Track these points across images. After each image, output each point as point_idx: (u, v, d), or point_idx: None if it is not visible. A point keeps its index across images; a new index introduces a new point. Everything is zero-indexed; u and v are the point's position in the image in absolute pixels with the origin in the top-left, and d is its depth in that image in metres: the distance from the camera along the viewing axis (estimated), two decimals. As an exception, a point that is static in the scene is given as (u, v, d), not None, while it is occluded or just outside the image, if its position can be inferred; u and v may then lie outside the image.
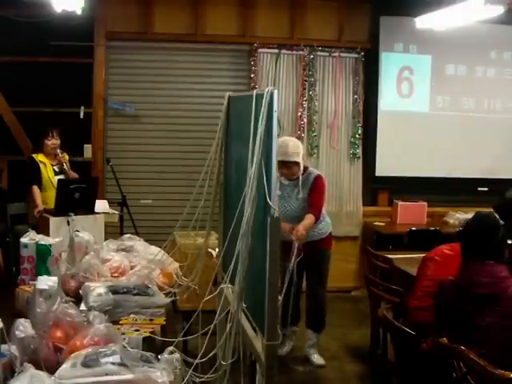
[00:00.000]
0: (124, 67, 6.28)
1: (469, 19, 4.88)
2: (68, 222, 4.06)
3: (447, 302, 2.82)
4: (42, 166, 5.13)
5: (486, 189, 6.55)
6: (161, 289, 3.15)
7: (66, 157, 5.30)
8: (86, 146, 6.22)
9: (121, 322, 2.65)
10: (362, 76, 6.46)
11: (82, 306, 2.81)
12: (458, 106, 6.71)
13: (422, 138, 6.61)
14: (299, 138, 6.20)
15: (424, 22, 5.20)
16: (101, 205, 4.77)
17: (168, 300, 3.05)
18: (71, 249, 3.38)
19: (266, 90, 2.31)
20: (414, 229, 5.90)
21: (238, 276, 2.37)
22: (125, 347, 2.18)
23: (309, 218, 4.15)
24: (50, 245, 3.26)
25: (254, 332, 2.50)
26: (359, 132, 6.48)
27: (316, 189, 4.36)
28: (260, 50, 6.28)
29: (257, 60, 6.28)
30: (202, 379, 2.48)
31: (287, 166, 4.22)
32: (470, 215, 2.97)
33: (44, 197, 5.01)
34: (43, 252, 3.24)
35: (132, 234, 4.12)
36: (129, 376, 1.98)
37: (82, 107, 6.17)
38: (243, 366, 2.50)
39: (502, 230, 2.73)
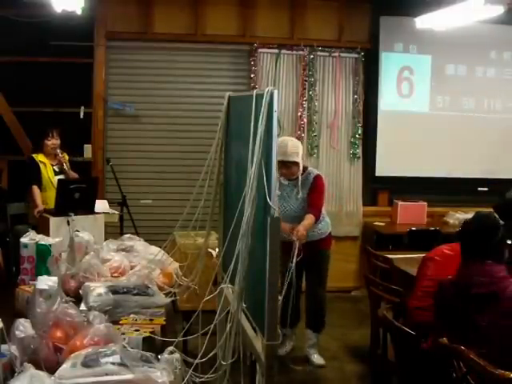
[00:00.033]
0: (124, 67, 6.28)
1: (469, 19, 4.88)
2: (68, 222, 4.07)
3: (447, 302, 2.82)
4: (42, 166, 5.13)
5: (486, 189, 6.55)
6: (161, 289, 3.15)
7: (66, 157, 5.30)
8: (85, 145, 6.22)
9: (121, 322, 2.65)
10: (361, 76, 6.46)
11: (82, 306, 2.80)
12: (458, 106, 6.71)
13: (422, 137, 6.61)
14: (299, 138, 6.20)
15: (424, 22, 5.20)
16: (101, 205, 4.77)
17: (168, 300, 3.05)
18: (71, 249, 3.38)
19: (266, 90, 2.31)
20: (413, 229, 5.90)
21: (238, 276, 2.37)
22: (125, 347, 2.18)
23: (309, 218, 4.15)
24: (50, 245, 3.26)
25: (253, 332, 2.50)
26: (359, 132, 6.48)
27: (316, 189, 4.36)
28: (260, 50, 6.28)
29: (257, 60, 6.28)
30: (202, 379, 2.48)
31: (286, 165, 4.22)
32: (469, 215, 2.97)
33: (44, 197, 5.01)
34: (43, 252, 3.23)
35: (132, 233, 4.12)
36: (129, 376, 1.98)
37: (82, 107, 6.17)
38: (243, 366, 2.50)
39: (501, 230, 2.73)
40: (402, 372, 3.24)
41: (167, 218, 5.88)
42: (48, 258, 3.22)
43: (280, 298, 2.76)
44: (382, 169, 6.61)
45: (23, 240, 3.30)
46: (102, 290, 2.85)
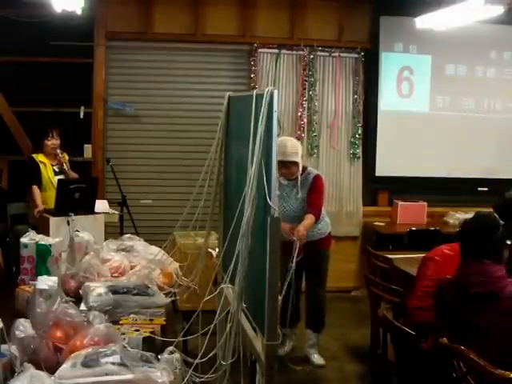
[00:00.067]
0: (124, 67, 6.29)
1: (469, 19, 4.88)
2: (68, 222, 4.07)
3: (446, 302, 2.82)
4: (41, 166, 5.13)
5: (486, 189, 6.55)
6: (161, 289, 3.15)
7: (66, 157, 5.30)
8: (86, 145, 6.22)
9: (121, 322, 2.65)
10: (362, 76, 6.46)
11: (82, 306, 2.80)
12: (458, 106, 6.71)
13: (422, 137, 6.61)
14: (299, 138, 6.21)
15: (424, 22, 5.20)
16: (101, 205, 4.77)
17: (168, 300, 3.05)
18: (71, 249, 3.38)
19: (266, 90, 2.31)
20: (413, 229, 5.90)
21: (238, 276, 2.37)
22: (125, 347, 2.18)
23: (309, 218, 4.15)
24: (50, 245, 3.26)
25: (254, 332, 2.50)
26: (359, 132, 6.48)
27: (315, 189, 4.36)
28: (260, 50, 6.29)
29: (257, 60, 6.28)
30: (202, 379, 2.48)
31: (286, 165, 4.22)
32: (469, 215, 2.97)
33: (44, 197, 5.01)
34: (43, 252, 3.24)
35: (132, 233, 4.12)
36: (129, 376, 1.98)
37: (82, 107, 6.17)
38: (243, 366, 2.50)
39: (501, 230, 2.72)
40: (402, 372, 3.24)
41: (167, 218, 5.88)
42: (48, 258, 3.23)
43: (280, 298, 2.76)
44: (382, 169, 6.61)
45: (23, 240, 3.30)
46: (102, 290, 2.85)
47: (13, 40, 5.90)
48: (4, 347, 2.11)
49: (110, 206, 5.07)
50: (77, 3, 4.53)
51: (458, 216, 6.28)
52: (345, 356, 4.79)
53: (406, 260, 4.32)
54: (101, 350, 2.08)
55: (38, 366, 2.06)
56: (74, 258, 3.32)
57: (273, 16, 6.37)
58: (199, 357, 2.48)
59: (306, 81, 6.35)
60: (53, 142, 5.19)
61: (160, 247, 3.45)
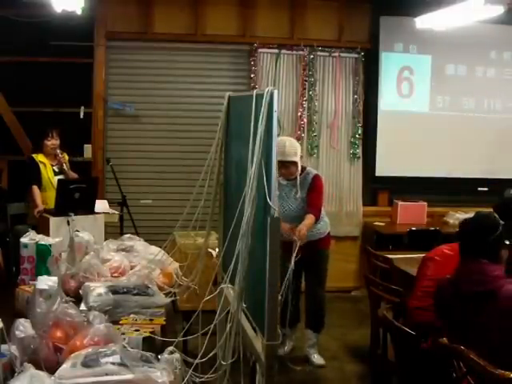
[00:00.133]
0: (124, 67, 6.29)
1: (469, 19, 4.88)
2: (68, 222, 4.07)
3: (446, 302, 2.83)
4: (41, 166, 5.13)
5: (486, 189, 6.55)
6: (161, 289, 3.15)
7: (66, 157, 5.30)
8: (86, 145, 6.23)
9: (121, 322, 2.65)
10: (361, 76, 6.46)
11: (82, 306, 2.80)
12: (458, 106, 6.71)
13: (422, 137, 6.61)
14: (299, 138, 6.22)
15: (424, 22, 5.20)
16: (101, 205, 4.77)
17: (168, 300, 3.05)
18: (71, 249, 3.38)
19: (266, 90, 2.31)
20: (413, 229, 5.90)
21: (238, 276, 2.37)
22: (125, 347, 2.18)
23: (309, 218, 4.15)
24: (50, 245, 3.26)
25: (254, 332, 2.50)
26: (359, 132, 6.48)
27: (314, 189, 4.36)
28: (260, 50, 6.29)
29: (257, 60, 6.28)
30: (202, 379, 2.48)
31: (285, 165, 4.22)
32: (469, 215, 2.97)
33: (44, 197, 5.01)
34: (43, 252, 3.24)
35: (132, 233, 4.12)
36: (129, 376, 1.98)
37: (82, 107, 6.17)
38: (243, 366, 2.50)
39: (500, 230, 2.72)
40: (402, 372, 3.24)
41: (167, 218, 5.88)
42: (48, 258, 3.22)
43: (280, 298, 2.76)
44: (382, 169, 6.61)
45: (23, 240, 3.30)
46: (102, 290, 2.85)
47: (13, 40, 5.90)
48: (4, 347, 2.10)
49: (110, 205, 5.07)
50: (77, 3, 4.53)
51: (458, 216, 6.27)
52: (345, 356, 4.79)
53: (405, 260, 4.32)
54: (101, 349, 2.08)
55: (38, 366, 2.06)
56: (74, 257, 3.32)
57: (273, 16, 6.37)
58: (199, 357, 2.47)
59: (306, 81, 6.35)
60: (53, 142, 5.19)
61: (160, 247, 3.45)
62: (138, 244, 3.69)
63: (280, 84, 6.30)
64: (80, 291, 2.97)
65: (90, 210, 4.46)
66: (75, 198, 4.38)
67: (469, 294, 2.68)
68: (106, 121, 6.28)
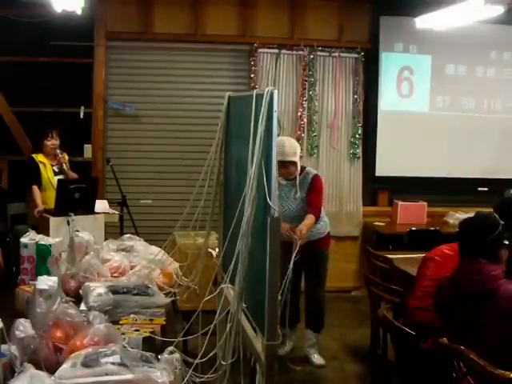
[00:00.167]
0: (124, 67, 6.29)
1: (469, 19, 4.88)
2: (68, 222, 4.06)
3: (445, 302, 2.83)
4: (41, 166, 5.13)
5: (486, 189, 6.55)
6: (161, 289, 3.15)
7: (66, 157, 5.30)
8: (85, 145, 6.23)
9: (121, 322, 2.65)
10: (362, 76, 6.46)
11: (82, 306, 2.80)
12: (458, 106, 6.71)
13: (422, 138, 6.61)
14: (299, 138, 6.22)
15: (424, 22, 5.20)
16: (101, 205, 4.77)
17: (168, 300, 3.05)
18: (71, 249, 3.38)
19: (266, 90, 2.31)
20: (414, 229, 5.90)
21: (238, 276, 2.37)
22: (125, 347, 2.18)
23: (309, 218, 4.15)
24: (50, 245, 3.26)
25: (254, 332, 2.50)
26: (359, 132, 6.48)
27: (314, 188, 4.36)
28: (260, 50, 6.29)
29: (257, 60, 6.28)
30: (202, 379, 2.48)
31: (284, 165, 4.22)
32: (469, 215, 2.97)
33: (44, 197, 5.01)
34: (43, 252, 3.24)
35: (132, 233, 4.12)
36: (129, 376, 1.98)
37: (82, 107, 6.17)
38: (243, 366, 2.50)
39: (499, 230, 2.72)
40: (402, 372, 3.24)
41: (167, 218, 5.88)
42: (48, 258, 3.23)
43: (279, 298, 2.76)
44: (382, 169, 6.61)
45: (23, 240, 3.30)
46: (102, 290, 2.85)
47: (13, 40, 5.90)
48: (4, 347, 2.10)
49: (110, 206, 5.07)
50: (77, 3, 4.53)
51: (458, 216, 6.27)
52: (345, 356, 4.79)
53: (406, 260, 4.32)
54: (101, 350, 2.08)
55: (38, 366, 2.06)
56: (74, 257, 3.32)
57: (273, 16, 6.37)
58: (199, 357, 2.47)
59: (306, 81, 6.35)
60: (52, 142, 5.19)
61: (160, 247, 3.45)
62: (138, 244, 3.69)
63: (280, 84, 6.30)
64: (80, 291, 2.97)
65: (90, 209, 4.46)
66: (75, 198, 4.38)
67: (468, 294, 2.68)
68: (106, 121, 6.28)
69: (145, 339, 2.42)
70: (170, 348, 2.26)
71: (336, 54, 6.41)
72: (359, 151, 6.51)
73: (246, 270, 2.35)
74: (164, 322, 2.70)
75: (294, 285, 3.70)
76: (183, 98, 6.34)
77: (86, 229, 3.78)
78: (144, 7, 6.19)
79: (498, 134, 6.74)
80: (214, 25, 6.27)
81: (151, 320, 2.69)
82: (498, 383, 2.36)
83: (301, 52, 6.34)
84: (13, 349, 2.13)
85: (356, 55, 6.43)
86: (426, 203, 6.50)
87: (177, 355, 2.21)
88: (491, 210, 3.46)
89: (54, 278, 2.57)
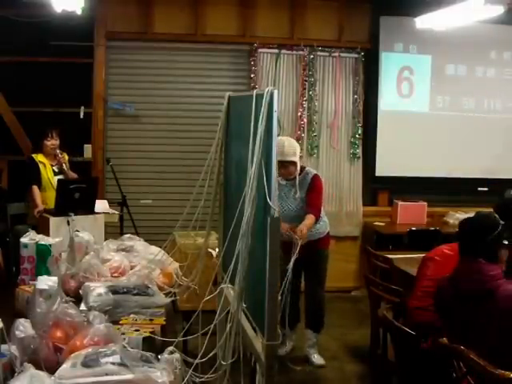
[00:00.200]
0: (124, 67, 6.29)
1: (469, 19, 4.88)
2: (68, 222, 4.06)
3: (445, 302, 2.83)
4: (41, 166, 5.13)
5: (486, 189, 6.56)
6: (161, 289, 3.15)
7: (66, 157, 5.30)
8: (86, 145, 6.23)
9: (121, 322, 2.65)
10: (362, 76, 6.46)
11: (82, 306, 2.80)
12: (458, 106, 6.71)
13: (422, 137, 6.61)
14: (299, 138, 6.22)
15: (424, 22, 5.20)
16: (101, 205, 4.77)
17: (168, 300, 3.05)
18: (71, 249, 3.38)
19: (266, 90, 2.31)
20: (413, 229, 5.90)
21: (238, 276, 2.37)
22: (125, 347, 2.18)
23: (309, 218, 4.15)
24: (50, 245, 3.26)
25: (254, 332, 2.50)
26: (359, 132, 6.48)
27: (314, 188, 4.36)
28: (260, 50, 6.29)
29: (257, 60, 6.28)
30: (202, 379, 2.48)
31: (284, 165, 4.22)
32: (469, 215, 2.98)
33: (44, 197, 5.01)
34: (43, 252, 3.24)
35: (132, 233, 4.12)
36: (129, 376, 1.98)
37: (82, 107, 6.17)
38: (243, 365, 2.50)
39: (498, 230, 2.73)
40: (402, 372, 3.24)
41: (167, 218, 5.88)
42: (48, 258, 3.23)
43: (279, 298, 2.76)
44: (382, 169, 6.61)
45: (23, 240, 3.30)
46: (102, 290, 2.85)
47: (13, 40, 5.90)
48: (4, 347, 2.10)
49: (110, 205, 5.07)
50: (77, 3, 4.53)
51: (458, 216, 6.26)
52: (345, 356, 4.79)
53: (406, 260, 4.32)
54: (101, 350, 2.08)
55: (38, 366, 2.06)
56: (74, 257, 3.32)
57: (273, 16, 6.37)
58: (199, 357, 2.47)
59: (306, 81, 6.35)
60: (52, 142, 5.19)
61: (160, 247, 3.45)
62: (138, 244, 3.69)
63: (280, 84, 6.30)
64: (80, 291, 2.97)
65: (89, 209, 4.46)
66: (75, 198, 4.38)
67: (467, 294, 2.68)
68: (106, 121, 6.28)
69: (145, 339, 2.42)
70: (170, 348, 2.26)
71: (336, 54, 6.41)
72: (359, 151, 6.51)
73: (246, 270, 2.35)
74: (164, 322, 2.70)
75: (293, 285, 3.71)
76: (183, 98, 6.34)
77: (86, 229, 3.78)
78: (144, 7, 6.19)
79: (498, 134, 6.74)
80: (213, 25, 6.27)
81: (151, 320, 2.69)
82: (497, 383, 2.36)
83: (301, 52, 6.34)
84: (13, 349, 2.13)
85: (356, 55, 6.43)
86: (425, 203, 6.50)
87: (177, 355, 2.21)
88: (491, 209, 3.46)
89: (54, 278, 2.57)
